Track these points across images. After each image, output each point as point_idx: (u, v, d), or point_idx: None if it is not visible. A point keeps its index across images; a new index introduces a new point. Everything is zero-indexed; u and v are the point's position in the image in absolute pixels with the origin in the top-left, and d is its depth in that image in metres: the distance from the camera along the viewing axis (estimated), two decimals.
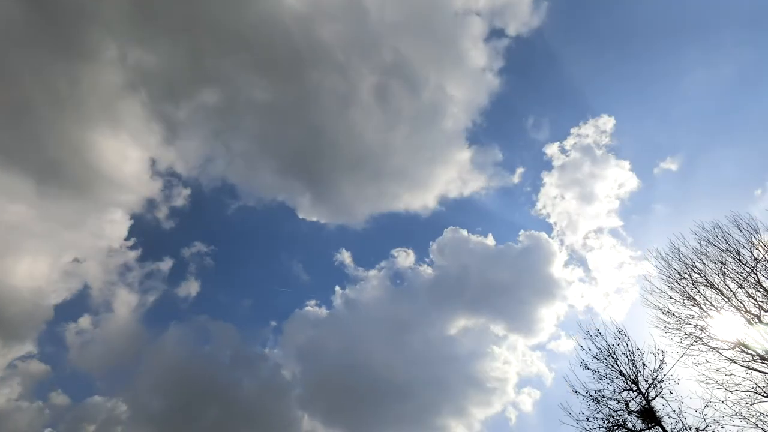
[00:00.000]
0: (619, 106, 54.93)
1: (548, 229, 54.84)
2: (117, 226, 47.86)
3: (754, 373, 12.60)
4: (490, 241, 52.64)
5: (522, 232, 54.60)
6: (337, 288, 53.92)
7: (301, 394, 45.70)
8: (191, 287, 50.96)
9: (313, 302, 53.10)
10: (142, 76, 45.46)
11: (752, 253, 12.78)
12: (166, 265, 50.36)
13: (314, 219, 55.20)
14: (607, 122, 50.18)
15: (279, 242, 60.34)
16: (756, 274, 12.62)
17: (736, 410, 12.54)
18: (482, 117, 57.71)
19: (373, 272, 54.35)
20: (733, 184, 45.14)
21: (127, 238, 47.86)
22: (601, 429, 13.24)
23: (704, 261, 13.59)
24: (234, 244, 59.43)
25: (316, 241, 59.18)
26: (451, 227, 53.78)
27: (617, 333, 14.13)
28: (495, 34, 55.06)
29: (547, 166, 58.76)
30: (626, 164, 50.27)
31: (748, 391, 12.63)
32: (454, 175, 56.42)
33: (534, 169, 58.14)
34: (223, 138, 52.21)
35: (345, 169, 53.96)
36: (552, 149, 53.40)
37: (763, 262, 12.58)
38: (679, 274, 14.04)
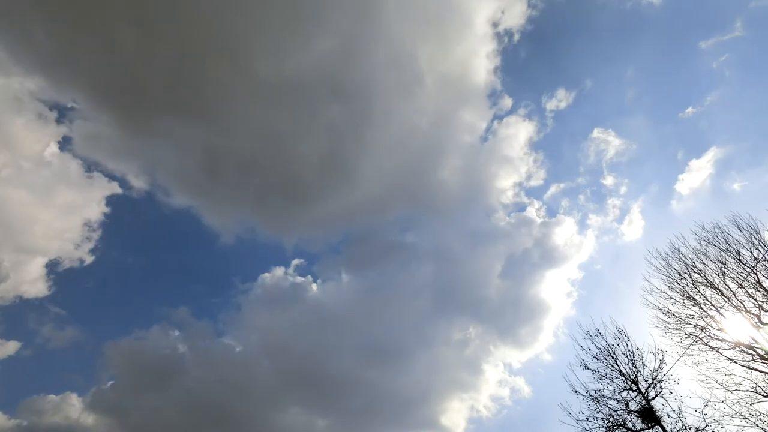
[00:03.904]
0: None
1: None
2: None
3: (754, 372, 12.61)
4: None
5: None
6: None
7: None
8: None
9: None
10: None
11: (752, 253, 12.79)
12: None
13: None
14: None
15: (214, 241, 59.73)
16: (756, 274, 12.63)
17: (736, 410, 12.56)
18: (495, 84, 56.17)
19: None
20: None
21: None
22: (601, 429, 13.23)
23: (704, 261, 13.63)
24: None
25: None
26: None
27: (617, 333, 14.15)
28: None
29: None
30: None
31: (748, 390, 12.65)
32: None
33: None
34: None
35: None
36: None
37: (763, 262, 12.59)
38: (679, 274, 14.07)
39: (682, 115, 49.44)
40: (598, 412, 13.39)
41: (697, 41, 49.84)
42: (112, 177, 50.38)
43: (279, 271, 55.36)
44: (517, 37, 54.43)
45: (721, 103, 47.87)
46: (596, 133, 53.86)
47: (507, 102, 57.47)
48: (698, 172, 46.91)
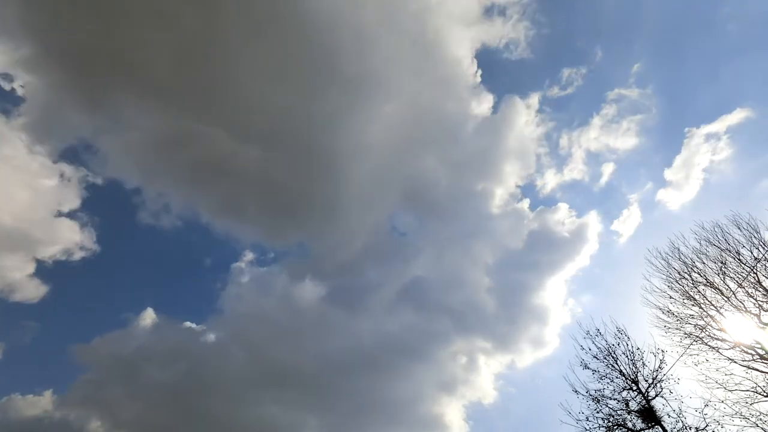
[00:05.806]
0: None
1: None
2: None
3: (754, 372, 12.62)
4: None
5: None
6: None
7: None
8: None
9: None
10: None
11: (752, 253, 12.79)
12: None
13: None
14: None
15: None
16: (756, 274, 12.64)
17: (736, 410, 12.57)
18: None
19: None
20: None
21: None
22: (601, 428, 13.19)
23: (704, 261, 13.63)
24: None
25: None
26: None
27: (617, 332, 14.13)
28: None
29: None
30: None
31: (748, 390, 12.65)
32: None
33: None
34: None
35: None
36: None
37: (763, 262, 12.60)
38: (679, 274, 14.07)
39: (694, 91, 47.57)
40: (598, 412, 13.36)
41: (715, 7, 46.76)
42: (61, 160, 46.85)
43: (249, 256, 55.10)
44: (512, 17, 52.38)
45: (735, 74, 45.79)
46: (598, 121, 52.71)
47: (505, 93, 56.85)
48: (696, 150, 45.27)
